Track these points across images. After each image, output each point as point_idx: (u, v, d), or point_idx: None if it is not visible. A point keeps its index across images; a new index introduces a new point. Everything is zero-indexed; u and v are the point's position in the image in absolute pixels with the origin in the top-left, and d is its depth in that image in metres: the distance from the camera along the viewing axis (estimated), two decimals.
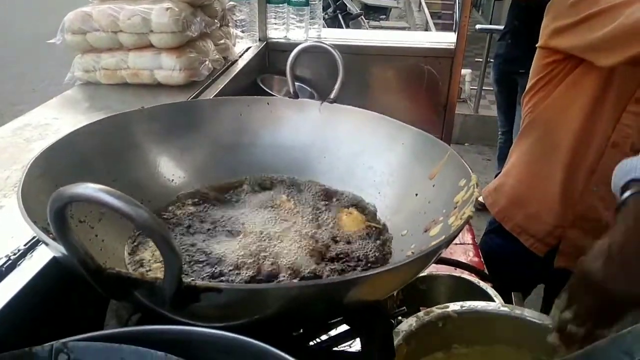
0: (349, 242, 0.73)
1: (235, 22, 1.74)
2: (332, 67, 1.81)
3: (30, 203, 0.54)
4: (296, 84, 1.92)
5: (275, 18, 1.91)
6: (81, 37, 1.32)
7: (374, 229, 0.77)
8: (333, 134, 0.89)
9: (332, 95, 0.91)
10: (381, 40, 1.98)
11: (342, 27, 5.14)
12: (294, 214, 0.78)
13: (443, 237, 0.59)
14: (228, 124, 0.87)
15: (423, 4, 9.47)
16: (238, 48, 1.74)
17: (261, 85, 1.77)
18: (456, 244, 1.45)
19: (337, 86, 0.91)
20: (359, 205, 0.82)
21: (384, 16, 10.75)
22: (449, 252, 1.40)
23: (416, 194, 0.76)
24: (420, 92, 1.93)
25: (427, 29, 8.09)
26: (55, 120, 1.14)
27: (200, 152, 0.84)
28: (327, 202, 0.82)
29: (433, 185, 0.74)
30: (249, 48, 1.80)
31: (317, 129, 0.90)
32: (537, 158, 1.29)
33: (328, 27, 5.09)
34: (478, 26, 4.12)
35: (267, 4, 1.86)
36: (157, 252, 0.65)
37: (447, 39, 1.88)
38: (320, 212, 0.79)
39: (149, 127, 0.77)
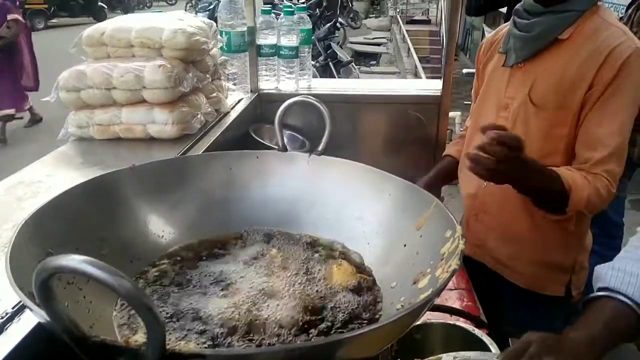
0: (339, 297, 0.73)
1: (227, 75, 1.78)
2: (322, 117, 1.84)
3: (18, 267, 0.54)
4: (288, 132, 1.97)
5: (266, 70, 1.96)
6: (75, 94, 1.36)
7: (364, 281, 0.77)
8: (322, 185, 0.90)
9: (320, 148, 0.93)
10: (369, 89, 2.04)
11: (334, 75, 5.27)
12: (284, 268, 0.78)
13: (431, 290, 0.60)
14: (218, 178, 0.88)
15: (412, 49, 9.75)
16: (230, 100, 1.78)
17: (253, 135, 1.81)
18: (450, 289, 1.44)
19: (324, 139, 0.93)
20: (349, 257, 0.82)
21: (374, 62, 11.04)
22: (444, 299, 1.38)
23: (404, 245, 0.77)
24: (410, 136, 1.97)
25: (416, 73, 8.30)
26: (48, 177, 1.15)
27: (190, 207, 0.84)
28: (317, 254, 0.83)
29: (420, 236, 0.75)
30: (240, 100, 1.84)
31: (306, 181, 0.91)
32: None
33: (319, 74, 5.22)
34: (465, 70, 4.24)
35: (259, 57, 1.92)
36: None
37: (433, 86, 1.93)
38: (310, 265, 0.80)
39: (138, 184, 0.78)
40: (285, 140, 1.94)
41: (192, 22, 1.49)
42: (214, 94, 1.61)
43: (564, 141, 1.22)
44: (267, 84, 1.98)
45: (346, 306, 0.71)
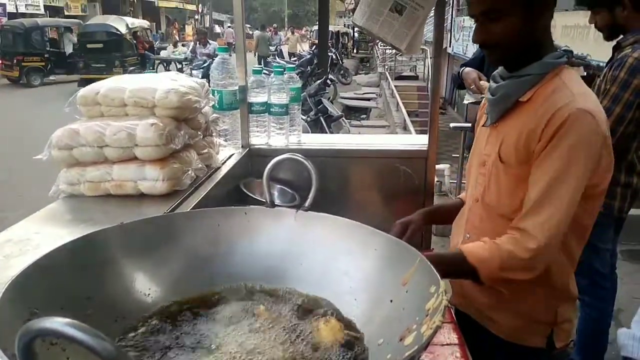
0: (326, 356, 0.72)
1: (219, 131, 1.83)
2: (315, 170, 1.87)
3: (2, 328, 0.54)
4: (279, 187, 1.99)
5: (257, 126, 2.01)
6: (67, 152, 1.38)
7: (352, 338, 0.76)
8: (309, 241, 0.91)
9: (306, 204, 0.95)
10: (358, 143, 2.08)
11: (325, 129, 5.38)
12: (270, 326, 0.78)
13: (416, 347, 0.60)
14: (205, 235, 0.89)
15: (400, 104, 10.02)
16: (222, 155, 1.82)
17: (244, 189, 1.82)
18: (443, 344, 1.42)
19: (311, 194, 0.95)
20: (336, 313, 0.82)
21: (364, 116, 11.30)
22: (436, 355, 1.36)
23: (391, 300, 0.77)
24: (399, 190, 2.00)
25: (405, 127, 8.49)
26: (37, 234, 1.16)
27: (177, 264, 0.85)
28: (305, 311, 0.82)
29: (406, 292, 0.75)
30: (232, 155, 1.87)
31: (293, 237, 0.92)
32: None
33: (311, 129, 5.33)
34: (452, 125, 4.34)
35: (250, 114, 1.97)
36: None
37: (420, 141, 1.99)
38: (298, 322, 0.80)
39: (125, 242, 0.79)
40: (276, 194, 1.99)
41: (184, 82, 1.55)
42: (205, 150, 1.64)
43: None
44: (258, 140, 2.02)
45: None
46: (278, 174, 1.99)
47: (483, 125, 1.44)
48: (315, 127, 5.35)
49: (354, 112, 11.39)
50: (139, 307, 0.78)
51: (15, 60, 13.49)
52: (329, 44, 17.77)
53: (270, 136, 2.00)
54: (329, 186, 1.91)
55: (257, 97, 1.94)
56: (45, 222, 1.25)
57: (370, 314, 0.79)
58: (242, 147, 1.97)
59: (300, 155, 0.96)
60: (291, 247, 0.91)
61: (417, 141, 2.03)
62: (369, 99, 12.67)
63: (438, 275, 0.70)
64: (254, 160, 2.00)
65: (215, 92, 1.82)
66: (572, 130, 1.17)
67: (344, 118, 5.85)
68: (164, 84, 1.49)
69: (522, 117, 1.28)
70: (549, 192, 1.19)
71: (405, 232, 1.44)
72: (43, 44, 14.36)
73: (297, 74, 6.70)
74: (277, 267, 0.89)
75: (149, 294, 0.80)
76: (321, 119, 5.33)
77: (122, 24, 14.45)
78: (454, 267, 1.23)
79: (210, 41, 11.57)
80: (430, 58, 12.52)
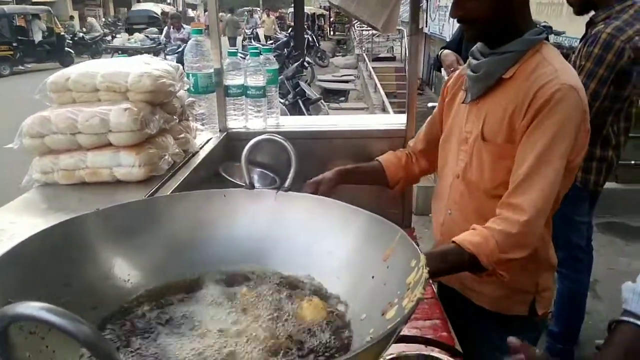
0: (310, 333, 0.73)
1: (195, 116, 1.80)
2: (294, 152, 1.86)
3: None
4: (258, 170, 1.97)
5: (234, 110, 1.99)
6: (39, 140, 1.34)
7: (334, 315, 0.77)
8: (290, 221, 0.91)
9: (286, 184, 0.94)
10: (336, 124, 2.08)
11: (303, 112, 5.35)
12: (254, 307, 0.78)
13: (398, 320, 0.60)
14: (185, 219, 0.88)
15: (378, 85, 10.01)
16: (199, 140, 1.79)
17: (223, 174, 1.80)
18: (425, 319, 1.45)
19: (291, 175, 0.94)
20: (320, 292, 0.82)
21: (343, 98, 11.27)
22: (419, 329, 1.39)
23: (372, 277, 0.77)
24: None
25: (384, 108, 8.50)
26: (12, 224, 1.13)
27: (157, 249, 0.84)
28: (288, 291, 0.82)
29: (387, 267, 0.76)
30: (210, 139, 1.85)
31: (274, 218, 0.92)
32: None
33: (289, 112, 5.29)
34: (430, 104, 4.36)
35: (227, 97, 1.94)
36: None
37: (398, 120, 1.99)
38: (281, 303, 0.80)
39: (103, 228, 0.78)
40: (256, 177, 1.97)
41: (158, 65, 1.51)
42: (182, 135, 1.61)
43: (509, 173, 1.27)
44: (235, 123, 2.00)
45: (317, 342, 0.70)
46: (257, 157, 1.97)
47: (462, 102, 1.44)
48: (293, 110, 5.32)
49: (333, 95, 11.35)
50: (118, 293, 0.77)
51: None
52: (305, 26, 17.62)
53: (247, 119, 1.98)
54: (309, 168, 1.88)
55: (233, 80, 1.91)
56: (20, 211, 1.22)
57: (353, 291, 0.79)
58: (219, 131, 1.94)
59: (279, 136, 0.95)
60: (272, 228, 0.91)
61: (395, 121, 2.03)
62: (347, 81, 12.64)
63: (418, 249, 0.70)
64: (232, 144, 1.97)
65: (190, 75, 1.78)
66: (558, 105, 1.19)
67: (322, 100, 5.82)
68: (136, 67, 1.45)
69: (506, 94, 1.29)
70: (537, 168, 1.21)
71: (316, 192, 1.40)
72: (11, 33, 13.91)
73: (275, 57, 6.62)
74: (258, 249, 0.89)
75: (128, 280, 0.79)
76: (299, 101, 5.30)
77: (157, 9, 17.96)
78: (455, 259, 1.21)
79: (185, 25, 11.33)
80: (407, 37, 12.53)
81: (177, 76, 1.56)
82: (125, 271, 0.79)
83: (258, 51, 1.92)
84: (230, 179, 1.81)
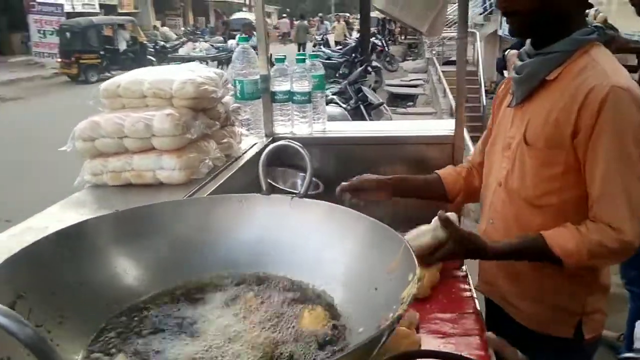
0: (305, 344, 0.72)
1: (241, 121, 1.84)
2: (340, 159, 1.87)
3: None
4: (302, 174, 1.98)
5: (281, 115, 2.02)
6: (90, 143, 1.44)
7: (334, 327, 0.76)
8: (303, 228, 0.91)
9: (302, 191, 0.94)
10: (383, 131, 2.05)
11: (364, 117, 5.32)
12: (257, 313, 0.78)
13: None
14: (200, 223, 0.90)
15: (447, 90, 9.77)
16: (244, 145, 1.84)
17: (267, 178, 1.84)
18: (463, 335, 1.39)
19: (306, 182, 0.94)
20: (324, 301, 0.82)
21: (411, 103, 11.11)
22: (455, 345, 1.33)
23: (376, 289, 0.76)
24: None
25: (451, 113, 8.28)
26: (59, 222, 1.21)
27: (171, 252, 0.86)
28: (293, 298, 0.82)
29: (390, 280, 0.74)
30: (254, 144, 1.89)
31: (288, 224, 0.92)
32: None
33: (351, 117, 5.29)
34: None
35: (273, 103, 1.97)
36: None
37: (447, 126, 1.93)
38: (284, 309, 0.80)
39: (118, 230, 0.81)
40: (299, 182, 1.99)
41: (202, 72, 1.57)
42: (225, 140, 1.66)
43: (558, 181, 1.19)
44: (282, 129, 2.03)
45: (311, 354, 0.70)
46: (301, 162, 1.99)
47: (508, 106, 1.38)
48: (355, 115, 5.30)
49: (401, 100, 11.22)
50: (130, 293, 0.80)
51: (73, 58, 14.15)
52: (376, 31, 17.54)
53: (293, 125, 2.00)
54: (352, 175, 1.89)
55: (280, 86, 1.94)
56: (67, 211, 1.31)
57: (356, 303, 0.78)
58: (265, 136, 1.98)
59: (295, 142, 0.95)
60: (286, 234, 0.91)
61: (444, 127, 1.97)
62: (415, 86, 12.45)
63: (416, 263, 0.67)
64: (278, 149, 2.00)
65: (237, 82, 1.83)
66: (613, 110, 1.11)
67: (385, 105, 5.76)
68: (181, 75, 1.52)
69: (550, 96, 1.21)
70: (615, 177, 1.13)
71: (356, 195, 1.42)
72: (98, 42, 14.98)
73: (343, 63, 6.65)
74: (271, 254, 0.89)
75: (140, 280, 0.82)
76: (361, 107, 5.28)
77: (252, 17, 18.72)
78: (538, 257, 1.20)
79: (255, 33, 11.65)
80: (480, 41, 12.14)
81: (221, 83, 1.61)
82: (137, 272, 0.82)
83: (304, 58, 1.93)
84: (274, 184, 1.84)
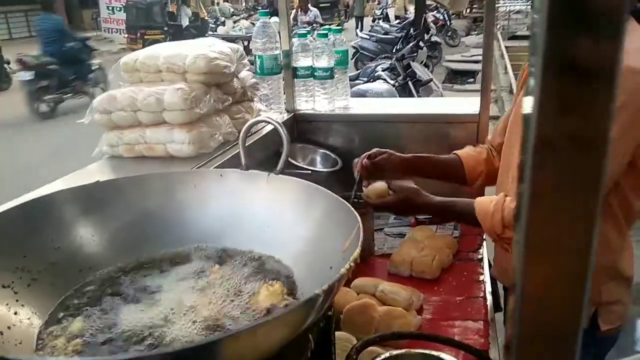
0: (255, 318, 0.73)
1: (260, 97, 1.85)
2: (361, 136, 1.84)
3: None
4: (321, 151, 1.98)
5: (305, 91, 2.01)
6: (107, 116, 1.49)
7: (289, 305, 0.76)
8: (277, 204, 0.91)
9: (278, 167, 0.94)
10: (406, 108, 1.99)
11: (412, 94, 5.19)
12: (218, 286, 0.80)
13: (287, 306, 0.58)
14: (177, 196, 0.92)
15: (509, 67, 9.32)
16: None
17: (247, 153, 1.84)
18: (467, 319, 1.35)
19: (282, 159, 0.94)
20: (284, 277, 0.82)
21: (472, 80, 10.70)
22: (457, 328, 1.30)
23: (331, 267, 0.75)
24: None
25: (511, 90, 7.91)
26: None
27: (147, 225, 0.89)
28: (256, 273, 0.83)
29: (343, 259, 0.72)
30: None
31: (263, 200, 0.92)
32: None
33: (399, 94, 5.17)
34: None
35: (295, 79, 1.96)
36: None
37: (473, 105, 1.84)
38: (245, 284, 0.80)
39: (91, 202, 0.85)
40: (318, 158, 1.98)
41: (216, 47, 1.58)
42: (240, 115, 1.68)
43: None
44: (305, 105, 2.02)
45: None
46: (321, 138, 1.98)
47: None
48: (403, 91, 5.18)
49: (460, 76, 10.82)
50: (99, 263, 0.83)
51: (138, 34, 14.67)
52: (437, 5, 16.88)
53: (315, 101, 1.98)
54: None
55: (302, 61, 1.93)
56: (81, 179, 1.38)
57: (313, 280, 0.77)
58: (286, 111, 1.98)
59: (273, 119, 0.95)
60: (258, 209, 0.92)
61: (469, 105, 1.88)
62: (477, 62, 11.94)
63: (358, 245, 0.66)
64: (299, 125, 2.00)
65: (257, 57, 1.83)
66: (623, 89, 1.03)
67: (434, 81, 5.58)
68: (195, 50, 1.53)
69: None
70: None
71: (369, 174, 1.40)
72: (162, 18, 15.42)
73: (400, 38, 6.40)
74: (242, 229, 0.90)
75: (113, 251, 0.85)
76: (409, 83, 5.15)
77: None
78: (463, 216, 1.25)
79: (311, 7, 11.58)
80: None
81: (236, 58, 1.62)
82: (109, 243, 0.85)
83: (326, 33, 1.90)
84: (291, 161, 1.84)
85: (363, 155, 1.42)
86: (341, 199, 0.83)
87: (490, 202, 1.16)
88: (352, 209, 0.78)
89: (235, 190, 0.94)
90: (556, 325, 0.26)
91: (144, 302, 0.76)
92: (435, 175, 1.53)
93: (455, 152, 1.57)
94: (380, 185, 1.30)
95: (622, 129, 1.04)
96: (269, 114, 1.91)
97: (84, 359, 0.60)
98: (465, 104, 1.91)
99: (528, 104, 0.23)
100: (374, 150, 1.45)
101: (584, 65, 0.22)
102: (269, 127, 1.83)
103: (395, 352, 1.04)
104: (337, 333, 1.17)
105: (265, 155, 1.78)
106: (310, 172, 1.81)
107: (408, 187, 1.27)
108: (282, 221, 0.89)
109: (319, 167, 1.89)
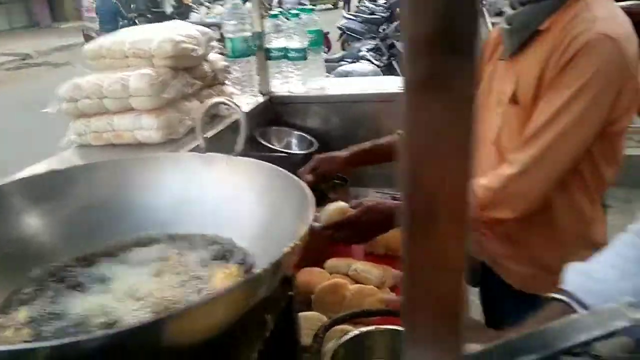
0: None
1: (233, 80, 1.82)
2: (338, 117, 1.83)
3: None
4: (297, 133, 1.96)
5: (279, 73, 1.98)
6: (73, 104, 1.47)
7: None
8: (236, 187, 0.89)
9: (236, 149, 0.93)
10: (379, 87, 1.98)
11: (397, 73, 5.15)
12: (172, 272, 0.79)
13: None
14: (133, 181, 0.91)
15: None
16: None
17: (258, 138, 1.83)
18: None
19: (240, 140, 0.92)
20: (241, 260, 0.81)
21: None
22: None
23: None
24: None
25: None
26: None
27: (98, 212, 0.87)
28: (212, 257, 0.82)
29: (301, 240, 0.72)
30: (248, 104, 1.87)
31: (222, 182, 0.91)
32: None
33: (383, 74, 5.14)
34: None
35: (269, 61, 1.94)
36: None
37: None
38: (200, 268, 0.79)
39: (37, 194, 0.83)
40: (294, 141, 1.96)
41: (183, 30, 1.55)
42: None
43: None
44: (280, 87, 2.00)
45: None
46: (298, 120, 1.96)
47: (500, 59, 1.30)
48: (387, 71, 5.14)
49: None
50: (52, 252, 0.81)
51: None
52: None
53: (290, 83, 1.96)
54: (356, 133, 1.85)
55: (274, 43, 1.90)
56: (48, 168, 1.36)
57: (270, 261, 0.77)
58: (261, 94, 1.95)
59: (231, 100, 0.93)
60: (218, 192, 0.90)
61: None
62: None
63: (305, 227, 0.66)
64: (274, 108, 1.98)
65: (228, 40, 1.80)
66: (586, 57, 1.02)
67: None
68: (161, 34, 1.50)
69: (541, 48, 1.13)
70: (546, 125, 1.07)
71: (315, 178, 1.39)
72: (146, 5, 15.18)
73: (386, 18, 6.33)
74: (200, 213, 0.89)
75: (64, 240, 0.83)
76: (393, 63, 5.11)
77: None
78: None
79: None
80: None
81: (204, 41, 1.59)
82: (60, 231, 0.83)
83: (298, 13, 1.87)
84: (266, 143, 1.83)
85: (302, 170, 1.41)
86: (296, 178, 0.82)
87: None
88: (307, 188, 0.77)
89: (193, 174, 0.92)
90: (438, 287, 0.25)
91: (96, 290, 0.75)
92: (383, 159, 1.52)
93: (398, 131, 1.57)
94: (337, 205, 1.28)
95: (595, 96, 1.03)
96: (243, 98, 1.89)
97: (28, 343, 0.59)
98: None
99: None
100: (314, 161, 1.44)
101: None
102: (247, 109, 1.82)
103: (364, 329, 1.05)
104: (308, 313, 1.18)
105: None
106: (286, 154, 1.80)
107: (369, 200, 1.25)
108: (240, 203, 0.87)
109: (295, 150, 1.88)
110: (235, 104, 0.92)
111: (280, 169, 0.87)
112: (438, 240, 0.25)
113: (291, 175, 0.84)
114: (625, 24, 1.08)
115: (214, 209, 0.88)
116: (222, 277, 0.76)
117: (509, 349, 0.37)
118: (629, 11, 1.15)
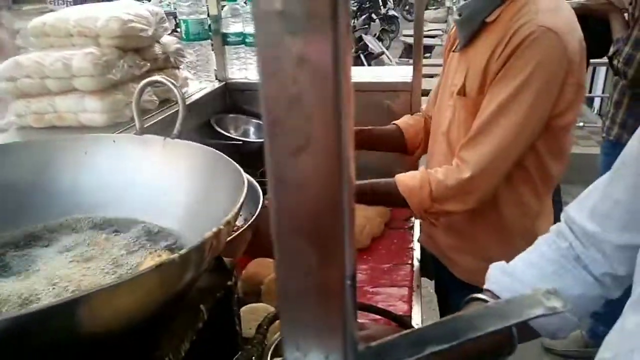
0: None
1: (187, 64, 1.76)
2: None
3: None
4: (255, 121, 1.92)
5: (237, 59, 1.93)
6: (12, 84, 1.38)
7: None
8: (172, 170, 0.85)
9: (174, 132, 0.88)
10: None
11: (364, 66, 5.15)
12: (98, 258, 0.74)
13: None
14: (69, 163, 0.86)
15: None
16: (191, 89, 1.77)
17: (214, 125, 1.78)
18: (392, 285, 1.36)
19: (178, 122, 0.88)
20: (173, 246, 0.77)
21: (428, 55, 10.73)
22: (382, 295, 1.30)
23: None
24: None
25: None
26: None
27: (25, 194, 0.82)
28: (143, 243, 0.78)
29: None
30: (204, 89, 1.81)
31: (158, 166, 0.86)
32: None
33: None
34: None
35: (225, 46, 1.88)
36: None
37: (406, 73, 1.82)
38: (129, 254, 0.75)
39: None
40: (252, 129, 1.92)
41: (132, 9, 1.49)
42: None
43: None
44: (238, 74, 1.95)
45: None
46: (255, 108, 1.92)
47: (453, 51, 1.31)
48: (355, 64, 5.13)
49: None
50: None
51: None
52: None
53: (248, 69, 1.91)
54: None
55: (232, 27, 1.84)
56: None
57: None
58: (217, 80, 1.90)
59: (168, 79, 0.88)
60: (154, 176, 0.86)
61: (402, 73, 1.86)
62: (433, 36, 11.96)
63: (234, 211, 0.63)
64: (231, 95, 1.93)
65: (182, 22, 1.74)
66: (528, 50, 1.03)
67: (386, 54, 5.55)
68: (108, 12, 1.43)
69: (488, 40, 1.14)
70: (494, 119, 1.08)
71: None
72: None
73: (357, 11, 6.36)
74: (132, 197, 0.85)
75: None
76: (361, 56, 5.10)
77: None
78: (387, 197, 1.20)
79: None
80: None
81: (154, 21, 1.52)
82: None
83: None
84: (221, 131, 1.78)
85: None
86: (234, 163, 0.78)
87: (414, 178, 1.15)
88: (244, 173, 0.74)
89: (129, 157, 0.88)
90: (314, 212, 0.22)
91: (21, 275, 0.70)
92: (378, 146, 1.53)
93: (394, 122, 1.58)
94: None
95: (539, 89, 1.04)
96: (198, 83, 1.83)
97: None
98: (400, 72, 1.89)
99: None
100: None
101: None
102: (201, 94, 1.77)
103: None
104: (256, 305, 1.15)
105: (197, 124, 1.72)
106: (242, 142, 1.76)
107: None
108: (174, 188, 0.83)
109: (252, 138, 1.83)
110: (173, 83, 0.88)
111: (219, 152, 0.83)
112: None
113: (230, 160, 0.81)
114: (568, 18, 1.08)
115: (147, 192, 0.84)
116: (152, 263, 0.72)
117: (419, 339, 0.35)
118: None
